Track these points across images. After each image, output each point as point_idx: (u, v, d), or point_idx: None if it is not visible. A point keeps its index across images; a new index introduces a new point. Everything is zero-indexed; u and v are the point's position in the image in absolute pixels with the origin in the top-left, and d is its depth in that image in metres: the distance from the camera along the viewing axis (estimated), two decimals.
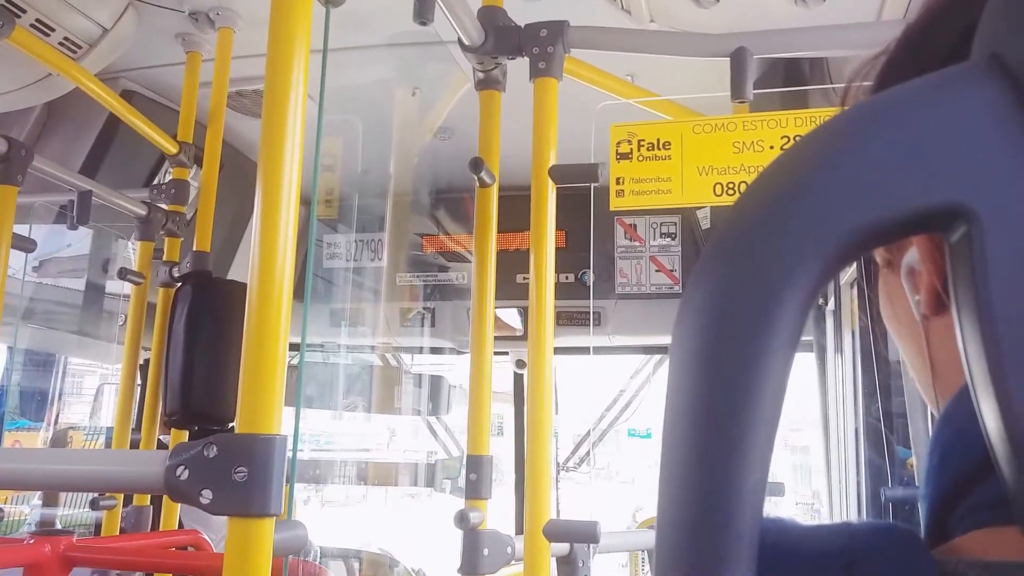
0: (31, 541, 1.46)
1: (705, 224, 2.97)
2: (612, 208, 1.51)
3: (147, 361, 2.18)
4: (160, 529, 2.00)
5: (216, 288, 2.05)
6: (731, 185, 1.44)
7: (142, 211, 2.18)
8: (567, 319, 3.06)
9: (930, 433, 0.38)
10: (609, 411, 3.67)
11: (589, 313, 3.05)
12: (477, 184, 1.48)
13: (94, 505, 2.02)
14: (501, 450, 3.29)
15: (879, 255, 0.43)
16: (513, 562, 1.37)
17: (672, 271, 3.05)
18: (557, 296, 1.39)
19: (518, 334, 3.11)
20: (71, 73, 1.91)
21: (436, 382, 3.88)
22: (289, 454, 0.85)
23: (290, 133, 0.87)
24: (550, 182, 1.38)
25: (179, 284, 2.06)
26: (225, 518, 0.82)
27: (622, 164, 1.49)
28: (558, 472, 3.49)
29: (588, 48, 1.45)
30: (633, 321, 3.05)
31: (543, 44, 1.39)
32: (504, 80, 1.51)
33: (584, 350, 3.25)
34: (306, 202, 2.70)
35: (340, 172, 3.01)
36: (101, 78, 2.05)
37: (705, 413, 0.25)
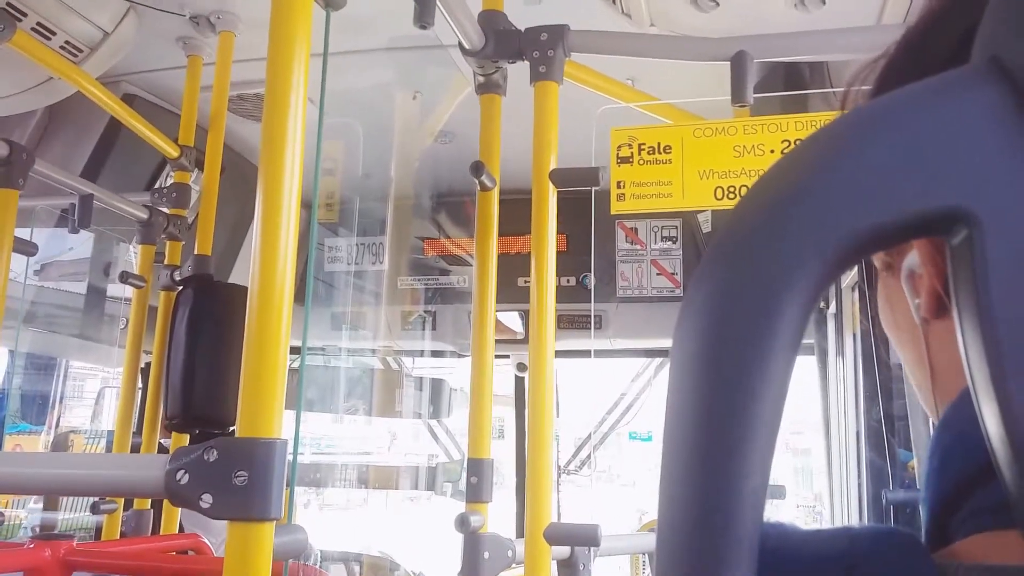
0: (31, 545, 1.46)
1: (706, 228, 2.97)
2: (613, 212, 1.50)
3: (148, 365, 2.19)
4: (161, 533, 2.00)
5: (217, 292, 2.05)
6: (732, 189, 1.44)
7: (143, 215, 2.18)
8: (568, 322, 3.06)
9: (931, 436, 0.38)
10: (610, 414, 3.67)
11: (590, 316, 3.05)
12: (478, 188, 1.48)
13: (95, 509, 2.03)
14: (502, 453, 3.28)
15: (878, 259, 0.43)
16: (514, 565, 1.37)
17: (673, 274, 3.05)
18: (558, 299, 1.39)
19: (519, 337, 3.12)
20: (72, 77, 1.91)
21: (437, 385, 3.88)
22: (289, 458, 0.85)
23: (291, 137, 0.87)
24: (551, 186, 1.38)
25: (180, 288, 2.06)
26: (225, 522, 0.82)
27: (623, 168, 1.49)
28: (559, 475, 3.49)
29: (588, 52, 1.45)
30: (634, 324, 3.04)
31: (543, 48, 1.40)
32: (505, 84, 1.51)
33: (585, 353, 3.25)
34: (307, 206, 2.70)
35: (341, 176, 3.01)
36: (102, 82, 2.05)
37: (706, 415, 0.25)
